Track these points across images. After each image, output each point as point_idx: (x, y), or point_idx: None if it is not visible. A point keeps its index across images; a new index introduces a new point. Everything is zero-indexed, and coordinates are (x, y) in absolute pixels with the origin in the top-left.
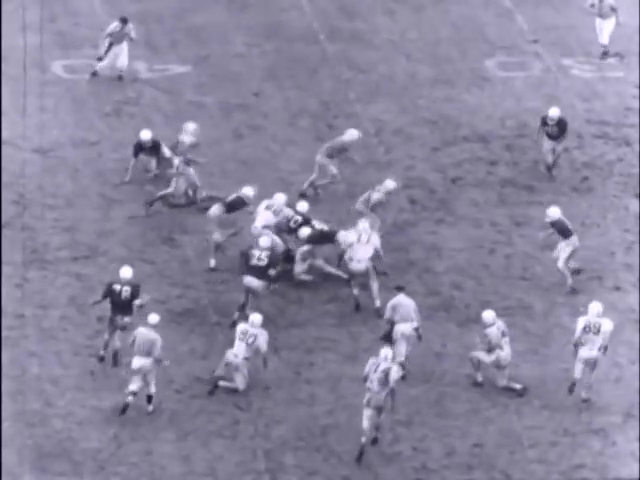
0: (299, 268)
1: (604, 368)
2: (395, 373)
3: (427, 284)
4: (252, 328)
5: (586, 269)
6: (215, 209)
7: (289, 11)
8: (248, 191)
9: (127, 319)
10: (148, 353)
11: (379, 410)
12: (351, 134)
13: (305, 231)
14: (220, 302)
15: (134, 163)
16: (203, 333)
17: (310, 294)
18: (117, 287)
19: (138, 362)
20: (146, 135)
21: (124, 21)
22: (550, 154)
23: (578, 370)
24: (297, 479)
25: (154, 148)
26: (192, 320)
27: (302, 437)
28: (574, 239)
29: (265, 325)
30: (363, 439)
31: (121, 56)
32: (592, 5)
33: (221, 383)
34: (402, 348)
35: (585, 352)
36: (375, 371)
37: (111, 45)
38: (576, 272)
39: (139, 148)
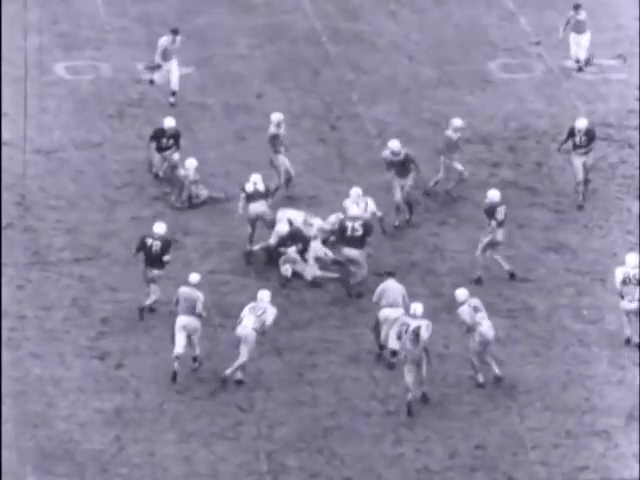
0: (283, 270)
1: (606, 369)
2: (425, 330)
3: (430, 286)
4: (261, 303)
5: (590, 271)
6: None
7: (292, 13)
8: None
9: (156, 272)
10: (192, 312)
11: (418, 364)
12: (454, 123)
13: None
14: (223, 304)
15: (152, 148)
16: (206, 334)
17: (312, 295)
18: (149, 241)
19: (182, 320)
20: (170, 122)
21: (175, 32)
22: (581, 170)
23: (626, 325)
24: None
25: (174, 137)
26: None
27: (304, 439)
28: (501, 231)
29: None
30: (409, 395)
31: (173, 77)
32: (567, 22)
33: (227, 372)
34: (391, 332)
35: (626, 304)
36: (406, 332)
37: (163, 61)
38: (511, 275)
39: (160, 134)
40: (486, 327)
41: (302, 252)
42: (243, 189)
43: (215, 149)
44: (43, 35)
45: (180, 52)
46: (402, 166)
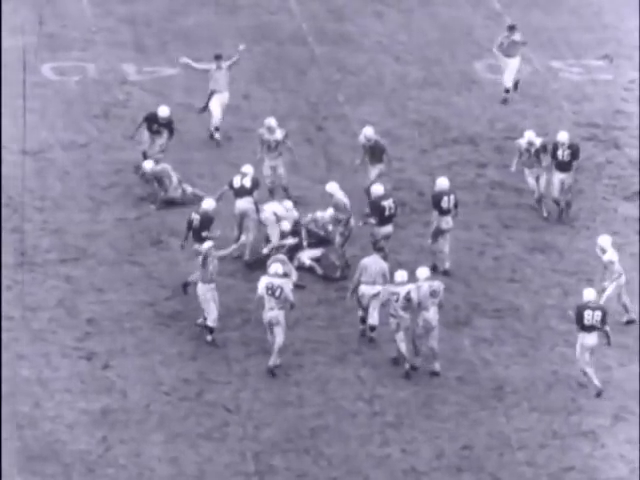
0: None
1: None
2: (414, 293)
3: None
4: (275, 279)
5: (576, 272)
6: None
7: (278, 13)
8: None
9: (196, 246)
10: (211, 280)
11: (407, 330)
12: (527, 136)
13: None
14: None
15: (142, 129)
16: (192, 335)
17: (299, 296)
18: (193, 215)
19: (201, 288)
20: (164, 111)
21: (218, 57)
22: (558, 189)
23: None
24: None
25: (166, 126)
26: (181, 322)
27: (291, 439)
28: (445, 219)
29: (254, 327)
30: (407, 365)
31: (217, 111)
32: (501, 44)
33: (270, 363)
34: (371, 309)
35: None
36: (397, 300)
37: (212, 93)
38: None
39: (153, 119)
40: (432, 314)
41: (293, 251)
42: (230, 184)
43: (202, 150)
44: (29, 36)
45: (166, 52)
46: (372, 152)
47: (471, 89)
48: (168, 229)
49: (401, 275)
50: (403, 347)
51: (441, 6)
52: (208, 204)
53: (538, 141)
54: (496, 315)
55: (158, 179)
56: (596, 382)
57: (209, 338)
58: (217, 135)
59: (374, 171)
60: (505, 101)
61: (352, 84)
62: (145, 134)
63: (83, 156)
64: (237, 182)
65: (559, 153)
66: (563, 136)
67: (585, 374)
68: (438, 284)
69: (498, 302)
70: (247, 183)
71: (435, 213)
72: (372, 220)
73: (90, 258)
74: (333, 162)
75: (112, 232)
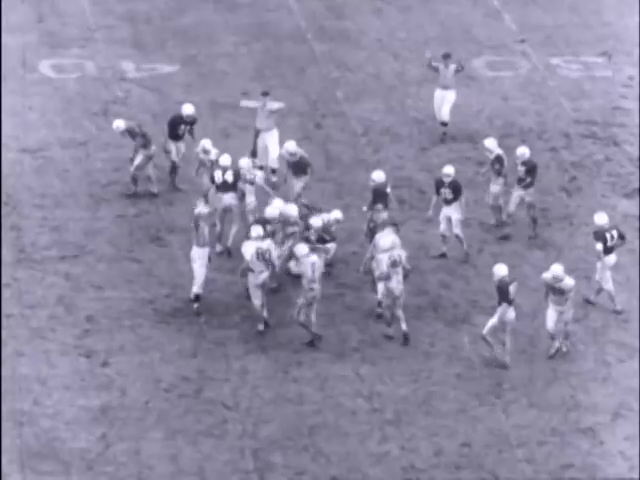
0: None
1: (591, 366)
2: (322, 257)
3: (415, 283)
4: (262, 243)
5: (575, 269)
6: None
7: (277, 11)
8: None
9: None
10: (205, 244)
11: (315, 300)
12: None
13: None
14: (208, 301)
15: (167, 140)
16: (191, 332)
17: (298, 293)
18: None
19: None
20: (189, 109)
21: (265, 93)
22: (515, 203)
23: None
24: (285, 479)
25: (191, 124)
26: (180, 319)
27: (290, 436)
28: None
29: (252, 324)
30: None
31: (271, 151)
32: (436, 69)
33: (260, 327)
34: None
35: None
36: (315, 270)
37: (257, 132)
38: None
39: (180, 121)
40: (394, 283)
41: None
42: (212, 179)
43: None
44: (28, 33)
45: (165, 50)
46: (296, 166)
47: (470, 86)
48: (167, 226)
49: (303, 248)
50: (313, 317)
51: (440, 3)
52: (271, 212)
53: (497, 151)
54: (494, 312)
55: (142, 133)
56: (508, 358)
57: (195, 306)
58: (274, 178)
59: (299, 184)
60: (444, 134)
61: (351, 81)
62: (169, 144)
63: (82, 154)
64: (219, 177)
65: (518, 168)
66: (520, 151)
67: (505, 344)
68: (398, 253)
69: (496, 299)
70: (229, 178)
71: (463, 200)
72: (379, 206)
73: (89, 255)
74: (332, 159)
75: (111, 229)
